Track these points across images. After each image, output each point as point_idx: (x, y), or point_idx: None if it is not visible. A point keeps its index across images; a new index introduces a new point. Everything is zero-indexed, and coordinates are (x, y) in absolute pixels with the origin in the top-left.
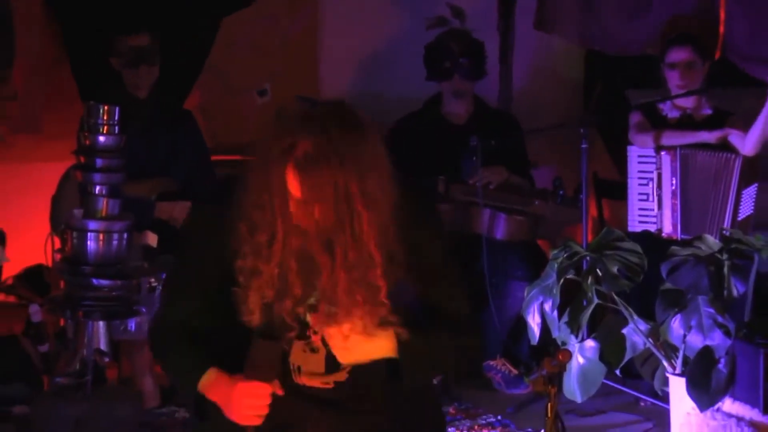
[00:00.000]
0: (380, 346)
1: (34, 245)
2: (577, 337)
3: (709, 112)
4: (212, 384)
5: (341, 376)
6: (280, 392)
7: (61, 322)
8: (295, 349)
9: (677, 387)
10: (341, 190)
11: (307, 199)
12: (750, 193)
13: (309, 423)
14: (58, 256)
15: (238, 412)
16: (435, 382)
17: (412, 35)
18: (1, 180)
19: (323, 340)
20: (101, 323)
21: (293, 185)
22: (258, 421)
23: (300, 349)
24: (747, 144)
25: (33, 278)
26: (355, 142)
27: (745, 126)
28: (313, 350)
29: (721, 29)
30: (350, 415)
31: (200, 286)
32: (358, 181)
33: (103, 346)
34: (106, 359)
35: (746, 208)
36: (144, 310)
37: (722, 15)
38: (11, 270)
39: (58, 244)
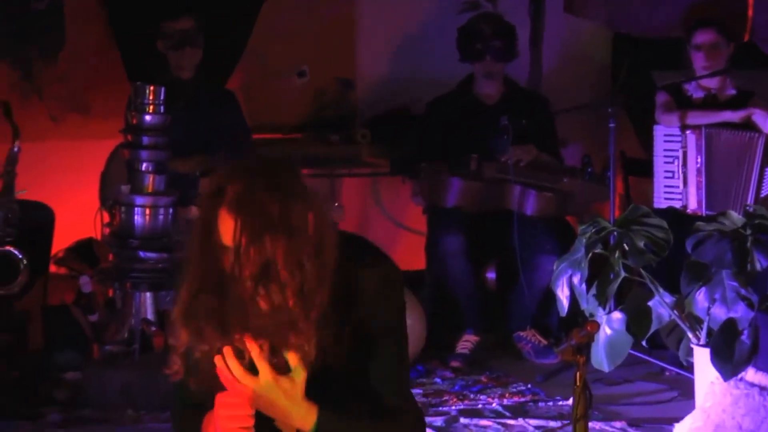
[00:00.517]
0: (300, 417)
1: (84, 220)
2: (604, 309)
3: (733, 92)
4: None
5: None
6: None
7: (110, 293)
8: None
9: (701, 357)
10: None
11: (242, 239)
12: None
13: None
14: (106, 230)
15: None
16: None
17: (445, 18)
18: (52, 157)
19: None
20: (148, 294)
21: (226, 230)
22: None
23: None
24: None
25: (83, 251)
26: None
27: None
28: None
29: (750, 12)
30: None
31: None
32: (285, 215)
33: (150, 316)
34: (153, 328)
35: None
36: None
37: None
38: (63, 243)
39: (106, 218)
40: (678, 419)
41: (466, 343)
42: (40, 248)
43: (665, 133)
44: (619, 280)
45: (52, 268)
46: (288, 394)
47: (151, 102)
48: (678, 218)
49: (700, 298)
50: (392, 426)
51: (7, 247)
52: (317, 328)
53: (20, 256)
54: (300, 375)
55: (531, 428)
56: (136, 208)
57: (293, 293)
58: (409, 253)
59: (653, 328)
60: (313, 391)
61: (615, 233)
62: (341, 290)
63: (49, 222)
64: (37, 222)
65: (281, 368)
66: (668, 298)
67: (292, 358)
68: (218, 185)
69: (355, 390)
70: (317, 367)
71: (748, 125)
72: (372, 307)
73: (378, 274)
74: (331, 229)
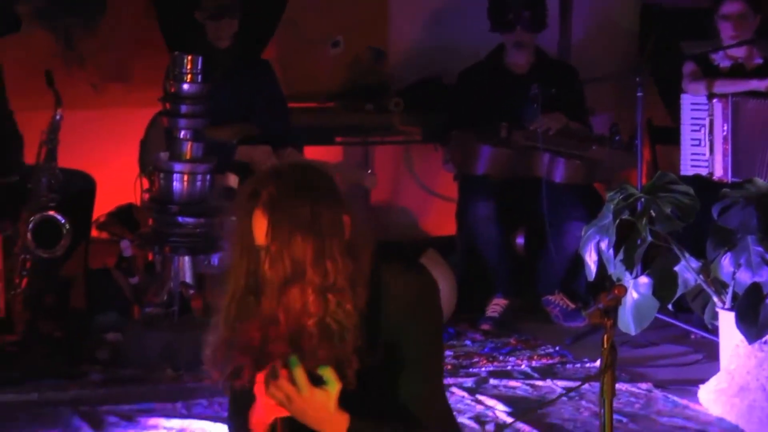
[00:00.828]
0: (333, 426)
1: (124, 186)
2: (631, 273)
3: (759, 61)
4: None
5: None
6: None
7: (150, 257)
8: None
9: (726, 321)
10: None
11: (272, 239)
12: None
13: None
14: (146, 196)
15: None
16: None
17: None
18: (94, 125)
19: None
20: (186, 258)
21: (259, 230)
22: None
23: None
24: None
25: (124, 216)
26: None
27: None
28: None
29: None
30: None
31: None
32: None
33: (188, 279)
34: (191, 291)
35: None
36: (225, 246)
37: None
38: (104, 209)
39: (146, 184)
40: (703, 381)
41: (496, 306)
42: (82, 214)
43: (692, 102)
44: (646, 245)
45: (94, 233)
46: (322, 406)
47: (189, 71)
48: (704, 185)
49: (726, 263)
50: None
51: (50, 213)
52: (352, 336)
53: (63, 221)
54: (334, 387)
55: (559, 389)
56: (174, 175)
57: (324, 296)
58: (440, 219)
59: (679, 292)
60: (345, 399)
61: (642, 200)
62: (377, 297)
63: (91, 189)
64: (79, 189)
65: (316, 379)
66: (694, 263)
67: (327, 372)
68: (254, 188)
69: (388, 398)
70: (351, 376)
71: None
72: (409, 316)
73: (417, 282)
74: (369, 235)
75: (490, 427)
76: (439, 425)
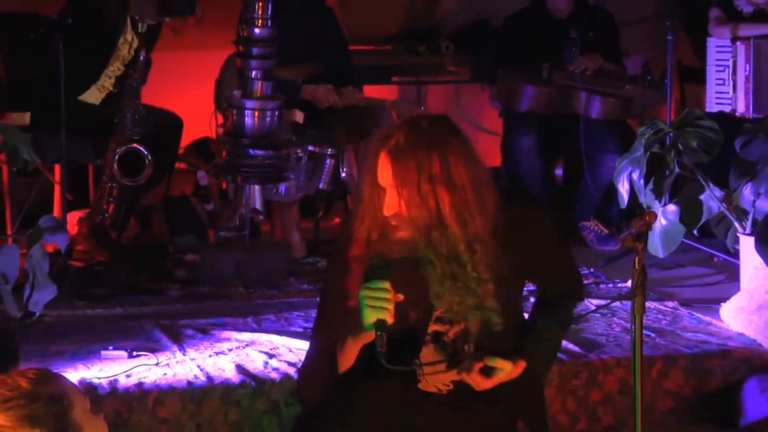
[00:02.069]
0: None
1: (201, 121)
2: (660, 201)
3: None
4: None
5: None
6: (400, 297)
7: (224, 185)
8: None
9: (747, 245)
10: (425, 174)
11: (394, 184)
12: None
13: (432, 426)
14: (221, 130)
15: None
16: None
17: None
18: (174, 66)
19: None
20: (256, 186)
21: (383, 172)
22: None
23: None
24: None
25: (200, 148)
26: (445, 134)
27: None
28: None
29: None
30: (469, 413)
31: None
32: (442, 168)
33: (258, 206)
34: (261, 216)
35: None
36: (292, 176)
37: None
38: (182, 142)
39: (220, 120)
40: (724, 299)
41: None
42: (168, 148)
43: (717, 45)
44: (674, 176)
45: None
46: (506, 377)
47: (260, 16)
48: (728, 121)
49: (747, 192)
50: (570, 309)
51: (134, 145)
52: (494, 286)
53: (145, 153)
54: (506, 366)
55: (593, 306)
56: (246, 111)
57: (456, 243)
58: (487, 152)
59: (704, 218)
60: (498, 338)
61: (671, 134)
62: (506, 241)
63: (178, 127)
64: (168, 126)
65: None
66: (718, 192)
67: (495, 362)
68: (387, 132)
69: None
70: (497, 319)
71: None
72: (538, 247)
73: (539, 223)
74: (492, 184)
75: None
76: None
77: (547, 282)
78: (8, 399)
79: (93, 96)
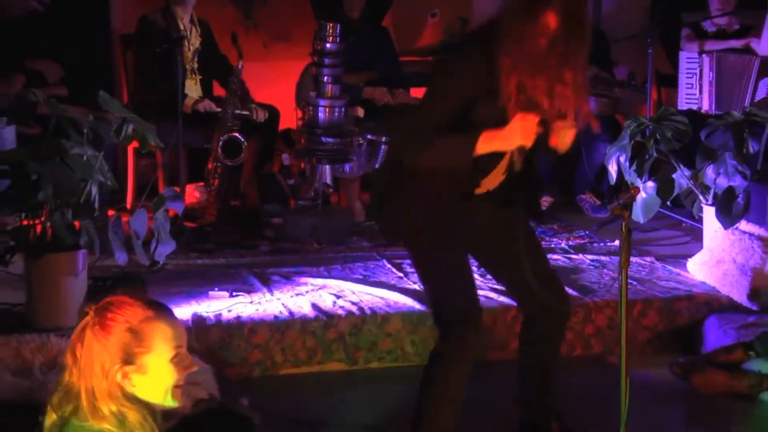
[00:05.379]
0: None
1: (285, 115)
2: (642, 179)
3: (737, 26)
4: (487, 137)
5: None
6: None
7: (302, 165)
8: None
9: (709, 213)
10: None
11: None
12: (765, 82)
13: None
14: (300, 122)
15: (522, 133)
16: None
17: None
18: (264, 72)
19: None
20: (327, 166)
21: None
22: (533, 136)
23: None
24: (762, 48)
25: (284, 136)
26: None
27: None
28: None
29: None
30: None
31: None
32: None
33: (328, 181)
34: (330, 189)
35: (761, 93)
36: (354, 158)
37: None
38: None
39: (300, 114)
40: (690, 255)
41: (544, 202)
42: (269, 134)
43: (687, 57)
44: (653, 159)
45: None
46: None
47: (330, 34)
48: (695, 116)
49: (710, 172)
50: None
51: (234, 133)
52: None
53: (242, 140)
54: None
55: (588, 261)
56: (319, 108)
57: None
58: None
59: (675, 192)
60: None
61: (650, 126)
62: None
63: (276, 116)
64: (269, 117)
65: None
66: (687, 172)
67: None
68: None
69: None
70: None
71: (748, 50)
72: None
73: None
74: None
75: None
76: None
77: None
78: (115, 321)
79: (192, 90)
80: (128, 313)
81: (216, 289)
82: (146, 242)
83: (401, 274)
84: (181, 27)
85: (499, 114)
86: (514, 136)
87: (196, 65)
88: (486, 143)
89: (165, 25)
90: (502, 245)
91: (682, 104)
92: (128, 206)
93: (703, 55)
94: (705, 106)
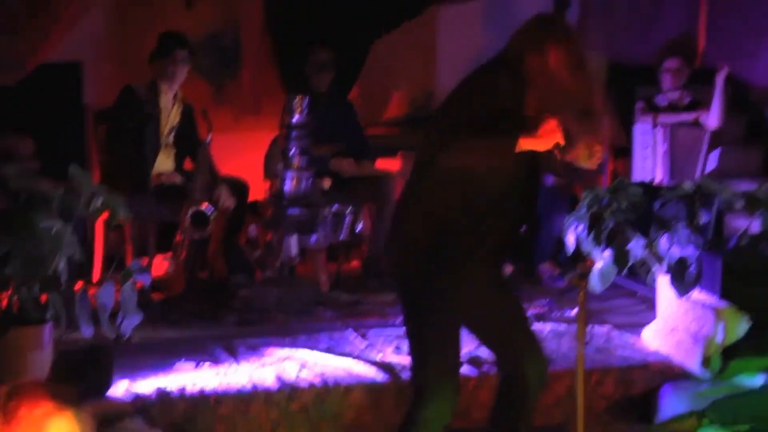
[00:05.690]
0: None
1: (253, 185)
2: (599, 248)
3: (688, 100)
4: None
5: None
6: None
7: (269, 236)
8: None
9: (663, 282)
10: None
11: None
12: (715, 154)
13: None
14: (267, 194)
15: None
16: None
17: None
18: (234, 144)
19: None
20: (294, 237)
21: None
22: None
23: None
24: (711, 121)
25: (252, 208)
26: None
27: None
28: None
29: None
30: None
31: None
32: None
33: (293, 253)
34: (297, 260)
35: (711, 165)
36: (320, 229)
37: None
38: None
39: (267, 185)
40: (645, 324)
41: (506, 269)
42: (240, 204)
43: (642, 130)
44: (609, 229)
45: None
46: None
47: (298, 107)
48: (649, 187)
49: (663, 241)
50: None
51: (203, 206)
52: None
53: (209, 213)
54: None
55: (547, 329)
56: (286, 179)
57: None
58: None
59: (630, 262)
60: None
61: (607, 197)
62: None
63: (245, 189)
64: (237, 188)
65: None
66: (641, 242)
67: None
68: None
69: None
70: None
71: (698, 123)
72: None
73: None
74: None
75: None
76: None
77: None
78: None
79: (164, 165)
80: (32, 403)
81: (183, 360)
82: (113, 314)
83: (365, 344)
84: (162, 103)
85: (522, 126)
86: (551, 135)
87: (171, 140)
88: (525, 141)
89: (145, 99)
90: (495, 304)
91: (637, 175)
92: (94, 279)
93: (657, 128)
94: (659, 177)
